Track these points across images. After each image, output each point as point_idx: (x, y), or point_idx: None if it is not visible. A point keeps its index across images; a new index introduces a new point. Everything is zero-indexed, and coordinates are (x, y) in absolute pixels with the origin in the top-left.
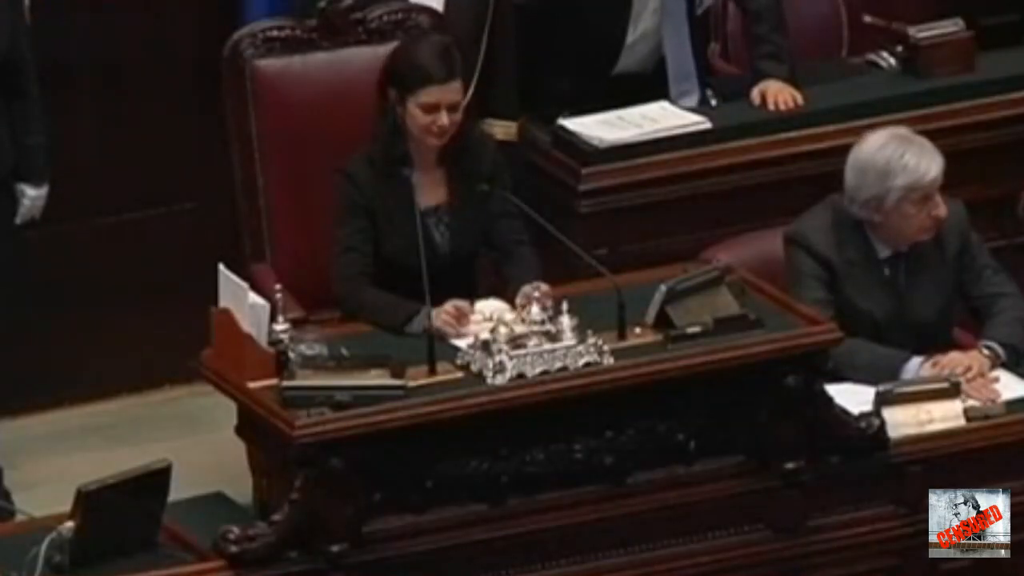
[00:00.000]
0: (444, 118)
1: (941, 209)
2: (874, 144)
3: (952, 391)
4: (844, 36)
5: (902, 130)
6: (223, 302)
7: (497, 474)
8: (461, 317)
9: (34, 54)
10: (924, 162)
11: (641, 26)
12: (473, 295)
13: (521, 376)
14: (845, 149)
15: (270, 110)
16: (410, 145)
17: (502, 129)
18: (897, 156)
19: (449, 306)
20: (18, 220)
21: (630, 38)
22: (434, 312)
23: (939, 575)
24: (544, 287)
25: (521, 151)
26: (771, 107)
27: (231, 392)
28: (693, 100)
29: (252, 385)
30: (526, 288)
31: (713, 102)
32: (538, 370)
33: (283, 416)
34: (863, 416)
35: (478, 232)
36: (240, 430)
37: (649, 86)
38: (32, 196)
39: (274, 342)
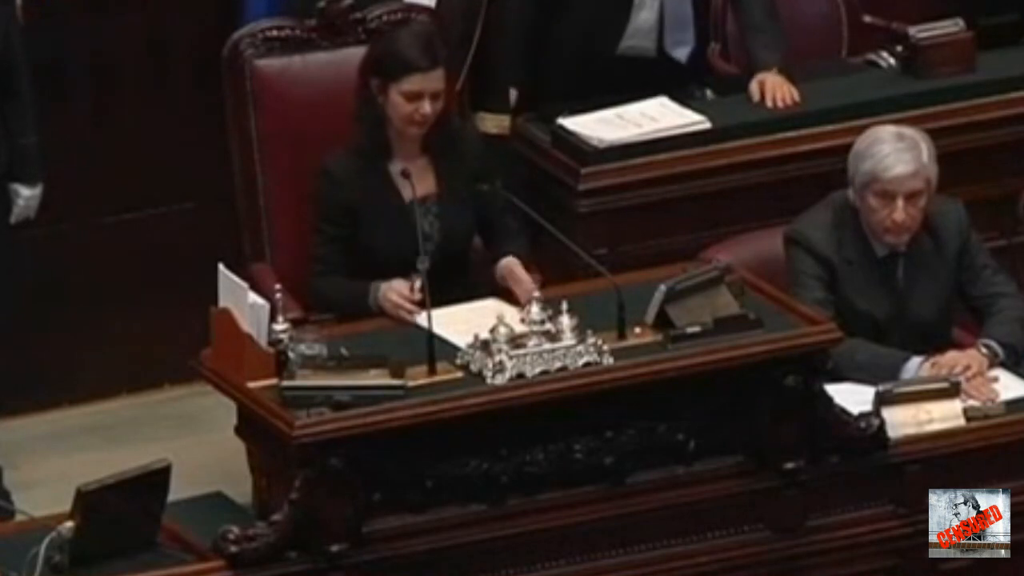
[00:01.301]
0: (427, 106)
1: (898, 214)
2: (877, 129)
3: (952, 391)
4: (844, 36)
5: (910, 130)
6: (223, 302)
7: (497, 474)
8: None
9: (26, 53)
10: (893, 159)
11: None
12: (467, 288)
13: (521, 376)
14: (845, 149)
15: (270, 110)
16: (391, 134)
17: (494, 123)
18: (877, 143)
19: (394, 294)
20: (13, 220)
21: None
22: (383, 290)
23: (939, 575)
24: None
25: (513, 147)
26: (768, 103)
27: (231, 392)
28: (686, 51)
29: (252, 385)
30: (502, 263)
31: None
32: (538, 370)
33: (283, 416)
34: (863, 416)
35: (469, 221)
36: (240, 430)
37: (651, 72)
38: (26, 196)
39: (274, 342)
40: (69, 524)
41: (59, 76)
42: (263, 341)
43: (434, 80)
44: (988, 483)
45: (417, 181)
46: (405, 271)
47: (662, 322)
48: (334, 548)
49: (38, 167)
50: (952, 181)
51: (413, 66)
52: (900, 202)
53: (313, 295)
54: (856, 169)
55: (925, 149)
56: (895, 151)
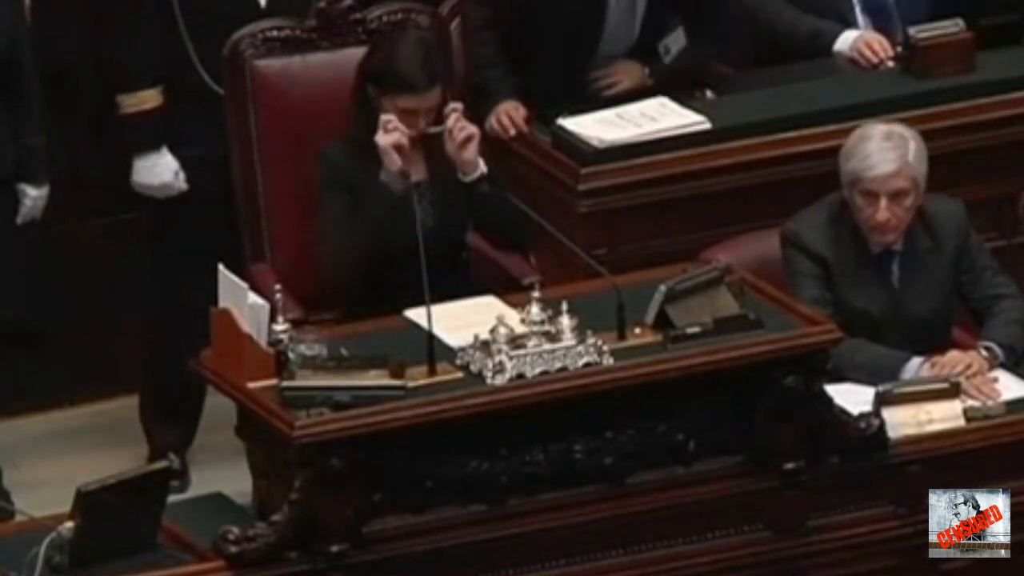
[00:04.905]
0: (420, 123)
1: (881, 213)
2: (867, 127)
3: (952, 391)
4: None
5: (901, 128)
6: (223, 302)
7: (497, 474)
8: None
9: (34, 54)
10: (876, 158)
11: None
12: (465, 279)
13: (521, 376)
14: None
15: (270, 110)
16: None
17: None
18: (863, 142)
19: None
20: (19, 220)
21: None
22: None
23: (939, 575)
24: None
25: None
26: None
27: (231, 392)
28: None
29: (252, 385)
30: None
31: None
32: (538, 370)
33: (283, 416)
34: (863, 416)
35: (463, 207)
36: (240, 430)
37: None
38: (34, 196)
39: (274, 342)
40: (69, 524)
41: (59, 75)
42: (263, 341)
43: (430, 99)
44: (988, 483)
45: (411, 168)
46: (401, 258)
47: (662, 322)
48: (334, 548)
49: (45, 167)
50: (952, 181)
51: (410, 86)
52: (883, 201)
53: (334, 264)
54: (843, 168)
55: (913, 148)
56: (879, 150)
